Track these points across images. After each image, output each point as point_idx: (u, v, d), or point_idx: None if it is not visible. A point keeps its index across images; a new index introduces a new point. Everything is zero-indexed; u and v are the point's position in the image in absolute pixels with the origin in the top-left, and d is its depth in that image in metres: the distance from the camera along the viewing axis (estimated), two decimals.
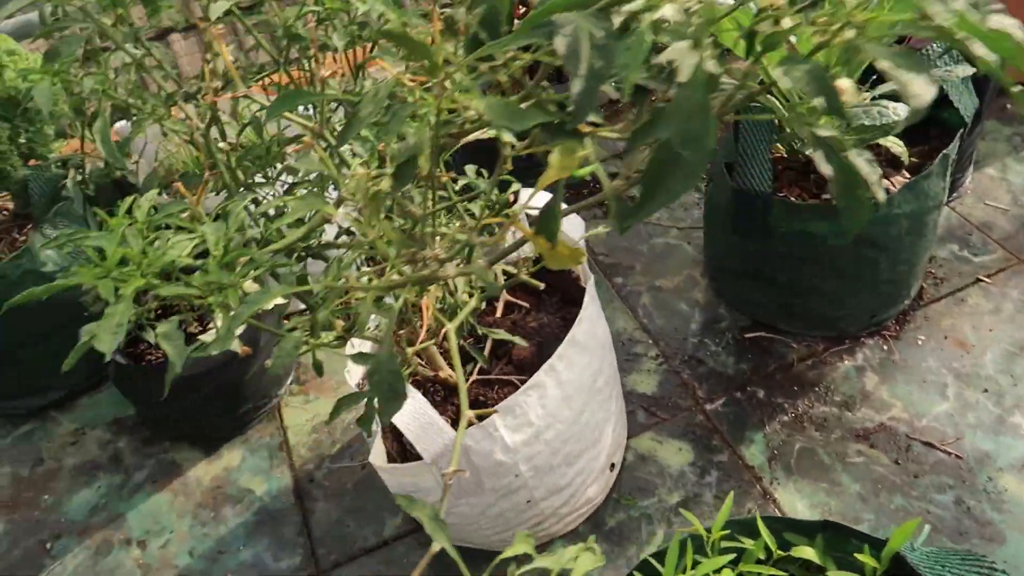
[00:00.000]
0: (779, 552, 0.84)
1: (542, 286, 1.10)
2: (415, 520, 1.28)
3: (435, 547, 0.53)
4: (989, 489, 1.15)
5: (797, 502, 1.17)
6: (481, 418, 1.08)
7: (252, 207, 0.97)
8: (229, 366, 1.34)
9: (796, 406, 1.30)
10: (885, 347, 1.35)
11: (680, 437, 1.29)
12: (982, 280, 1.42)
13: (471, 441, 1.00)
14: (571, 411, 1.08)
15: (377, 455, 1.03)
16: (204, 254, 0.69)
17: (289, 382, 1.51)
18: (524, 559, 0.62)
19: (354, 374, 1.08)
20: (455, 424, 1.06)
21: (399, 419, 0.96)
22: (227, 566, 1.27)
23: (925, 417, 1.24)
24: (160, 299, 0.65)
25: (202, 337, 1.34)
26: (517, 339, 1.11)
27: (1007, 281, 1.41)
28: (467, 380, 1.14)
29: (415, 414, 0.97)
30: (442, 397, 1.14)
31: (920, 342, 1.35)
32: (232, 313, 0.60)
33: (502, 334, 1.11)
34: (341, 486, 1.34)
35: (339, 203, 0.71)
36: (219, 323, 0.61)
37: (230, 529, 1.32)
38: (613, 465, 1.24)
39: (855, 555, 0.83)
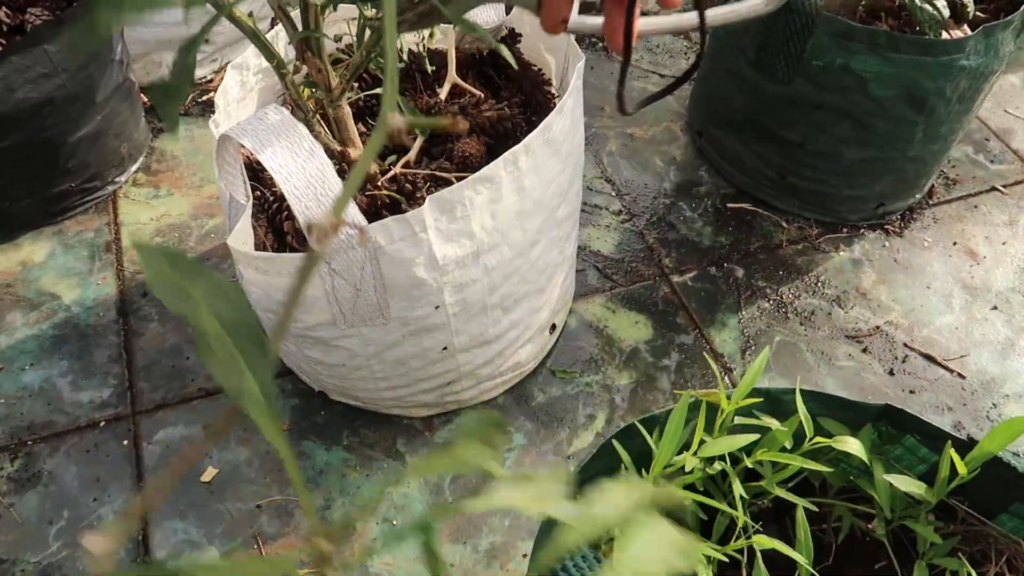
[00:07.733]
0: (818, 439, 0.59)
1: (512, 62, 0.79)
2: (283, 362, 0.95)
3: None
4: (992, 417, 0.96)
5: None
6: (398, 203, 0.76)
7: None
8: (44, 115, 0.95)
9: (780, 293, 1.05)
10: (887, 243, 1.12)
11: (638, 308, 1.02)
12: (998, 189, 1.21)
13: (384, 239, 0.68)
14: (524, 235, 0.78)
15: (240, 238, 0.69)
16: None
17: (135, 168, 1.12)
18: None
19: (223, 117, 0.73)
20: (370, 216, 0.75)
21: (287, 184, 0.62)
22: (0, 388, 0.90)
23: (927, 327, 1.03)
24: None
25: None
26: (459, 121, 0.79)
27: None
28: (388, 171, 0.82)
29: (313, 178, 0.64)
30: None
31: (926, 244, 1.13)
32: None
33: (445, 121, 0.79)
34: None
35: None
36: None
37: (15, 341, 0.95)
38: (554, 327, 0.96)
39: (924, 452, 0.59)
